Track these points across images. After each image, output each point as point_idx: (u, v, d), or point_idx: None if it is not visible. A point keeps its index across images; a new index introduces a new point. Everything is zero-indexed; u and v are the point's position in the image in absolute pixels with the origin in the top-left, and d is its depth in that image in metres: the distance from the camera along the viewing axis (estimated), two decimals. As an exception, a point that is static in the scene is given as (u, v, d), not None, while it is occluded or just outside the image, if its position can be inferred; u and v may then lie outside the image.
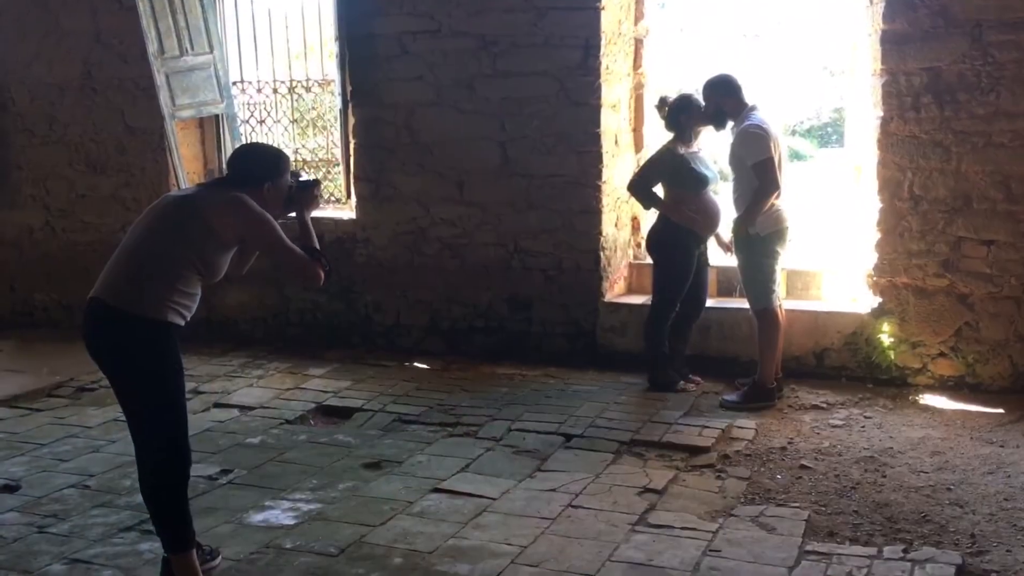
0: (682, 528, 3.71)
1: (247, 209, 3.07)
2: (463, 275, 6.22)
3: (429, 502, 4.01)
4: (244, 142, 6.83)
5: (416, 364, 6.16)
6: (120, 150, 6.95)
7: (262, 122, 7.03)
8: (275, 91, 6.96)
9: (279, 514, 3.90)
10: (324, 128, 7.36)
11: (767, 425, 4.90)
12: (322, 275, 3.19)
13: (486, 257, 6.15)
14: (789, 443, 4.65)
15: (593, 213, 5.90)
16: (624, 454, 4.55)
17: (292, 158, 7.01)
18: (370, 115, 6.27)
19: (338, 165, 6.72)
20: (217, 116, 6.91)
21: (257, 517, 3.88)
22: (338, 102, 6.43)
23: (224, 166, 3.35)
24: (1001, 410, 5.01)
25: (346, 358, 6.29)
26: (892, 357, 5.36)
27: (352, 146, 6.37)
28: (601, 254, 5.93)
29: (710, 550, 3.53)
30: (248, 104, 7.06)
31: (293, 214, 3.37)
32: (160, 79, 6.47)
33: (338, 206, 6.72)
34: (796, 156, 13.38)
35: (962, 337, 5.27)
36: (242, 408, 5.37)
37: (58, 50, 6.92)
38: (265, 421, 5.14)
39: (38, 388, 5.81)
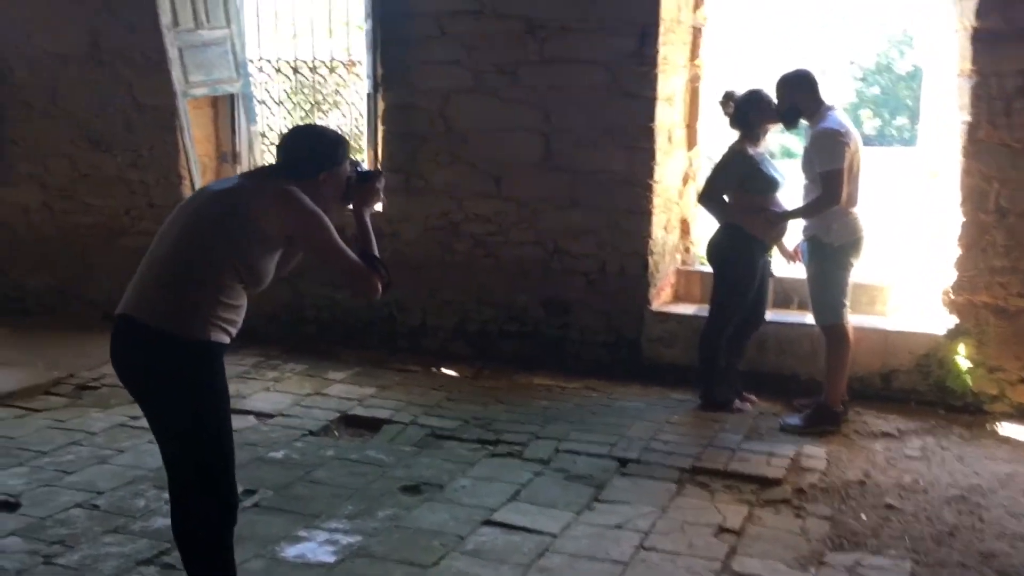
0: (772, 578, 3.30)
1: (298, 204, 2.60)
2: (496, 275, 5.78)
3: (483, 537, 3.57)
4: (259, 124, 6.36)
5: (443, 370, 5.72)
6: (128, 127, 6.46)
7: (280, 103, 6.56)
8: (295, 71, 6.48)
9: (316, 548, 3.46)
10: (346, 114, 6.88)
11: (837, 454, 4.49)
12: (380, 287, 2.72)
13: (522, 257, 5.71)
14: (866, 476, 4.24)
15: (642, 214, 5.47)
16: (687, 483, 4.14)
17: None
18: (402, 101, 5.81)
19: (362, 153, 6.25)
20: (232, 95, 6.43)
21: (292, 551, 3.43)
22: (367, 86, 5.96)
23: (275, 151, 2.78)
24: (1087, 444, 4.64)
25: (366, 360, 5.84)
26: (968, 382, 4.96)
27: (381, 133, 5.91)
28: (649, 258, 5.50)
29: (809, 607, 3.12)
30: (265, 84, 6.59)
31: (351, 208, 2.91)
32: (173, 53, 5.98)
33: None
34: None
35: (1044, 363, 4.88)
36: (260, 415, 4.92)
37: (62, 18, 6.41)
38: (287, 432, 4.69)
39: (34, 384, 5.33)
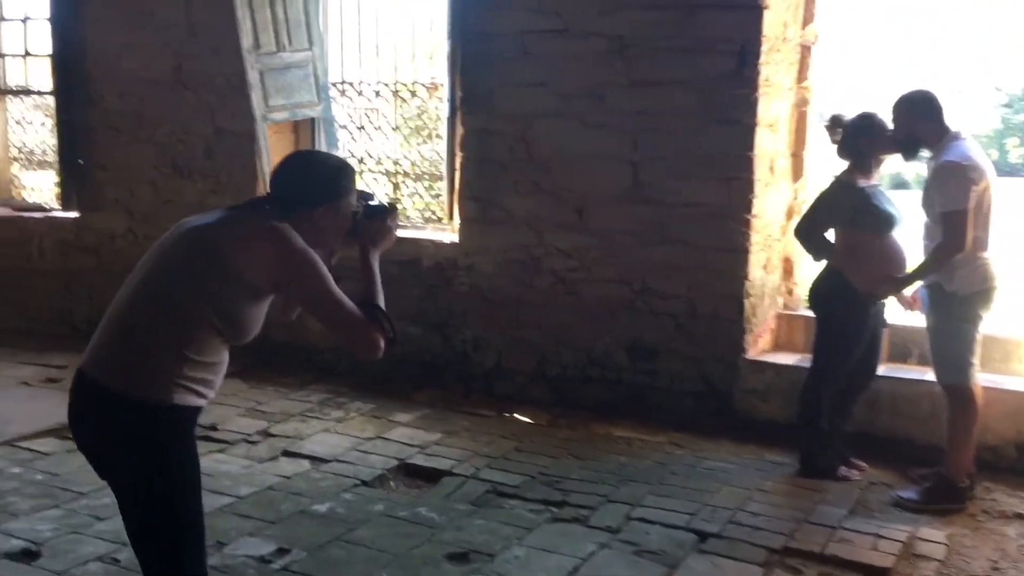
0: None
1: (284, 245, 2.21)
2: (577, 315, 5.32)
3: (528, 625, 3.12)
4: (328, 150, 6.12)
5: (517, 416, 5.28)
6: (208, 153, 6.33)
7: (361, 128, 6.30)
8: (377, 94, 6.21)
9: (338, 627, 3.07)
10: (428, 137, 6.57)
11: (960, 539, 3.83)
12: (382, 343, 2.31)
13: (606, 295, 5.24)
14: (994, 569, 3.59)
15: (738, 252, 4.92)
16: (776, 568, 3.57)
17: (393, 169, 6.29)
18: (481, 125, 5.45)
19: (442, 180, 5.92)
20: (313, 120, 6.22)
21: (311, 629, 3.06)
22: (446, 109, 5.63)
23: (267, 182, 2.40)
24: None
25: (438, 402, 5.47)
26: (1123, 457, 4.21)
27: (458, 160, 5.57)
28: (745, 301, 4.95)
29: None
30: (348, 109, 6.35)
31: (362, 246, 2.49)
32: (253, 76, 5.81)
33: (439, 226, 5.92)
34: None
35: None
36: (314, 460, 4.60)
37: (148, 42, 6.35)
38: (338, 480, 4.35)
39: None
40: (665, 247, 5.07)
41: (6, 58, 7.27)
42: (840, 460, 4.44)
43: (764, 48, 4.76)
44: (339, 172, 2.39)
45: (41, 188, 7.62)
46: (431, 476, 4.45)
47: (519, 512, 4.03)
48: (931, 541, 3.78)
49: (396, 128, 6.29)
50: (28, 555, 3.52)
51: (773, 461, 4.65)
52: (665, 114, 4.96)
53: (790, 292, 5.32)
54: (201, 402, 2.25)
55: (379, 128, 6.29)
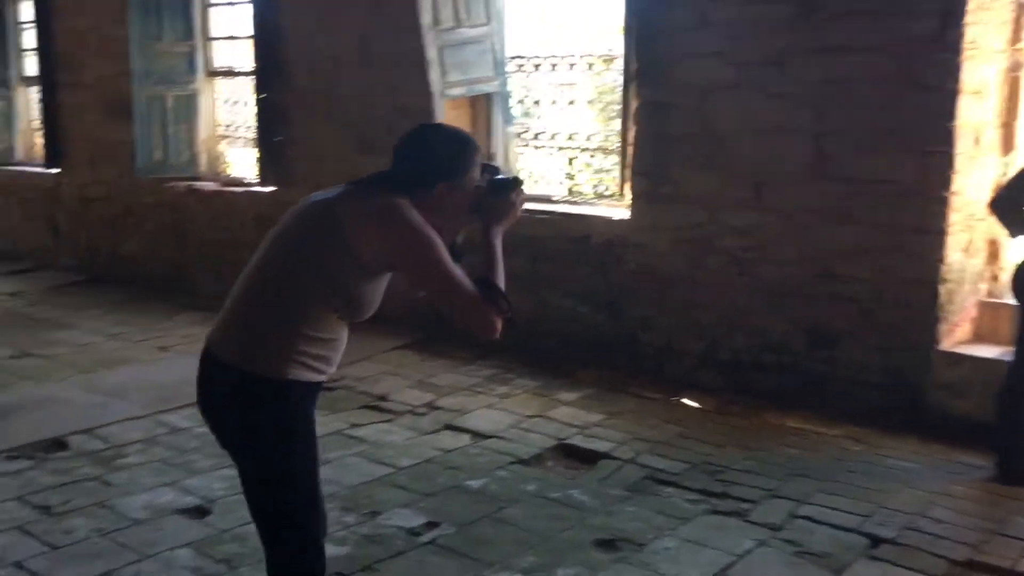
0: None
1: (398, 222, 2.16)
2: (753, 297, 5.05)
3: (668, 622, 2.98)
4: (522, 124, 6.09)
5: (685, 400, 5.09)
6: (389, 129, 6.42)
7: (537, 103, 6.25)
8: (553, 68, 6.12)
9: (475, 606, 3.06)
10: (604, 110, 6.43)
11: None
12: (498, 324, 2.22)
13: (784, 278, 4.93)
14: None
15: (934, 233, 4.49)
16: (956, 582, 3.24)
17: (568, 143, 6.19)
18: (655, 97, 5.25)
19: (616, 154, 5.77)
20: (489, 95, 6.22)
21: (448, 605, 3.06)
22: (620, 81, 5.47)
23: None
24: None
25: (603, 382, 5.36)
26: None
27: (632, 133, 5.40)
28: (940, 287, 4.51)
29: None
30: (524, 83, 6.32)
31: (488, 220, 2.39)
32: (432, 53, 5.87)
33: (611, 203, 5.78)
34: None
35: None
36: (474, 435, 4.62)
37: (335, 20, 6.56)
38: (495, 457, 4.34)
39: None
40: (850, 227, 4.70)
41: (215, 41, 7.74)
42: (1044, 467, 3.97)
43: (970, 7, 4.28)
44: (462, 147, 2.32)
45: (244, 164, 8.12)
46: (588, 458, 4.36)
47: (675, 501, 3.87)
48: None
49: (571, 102, 6.18)
50: (199, 512, 3.73)
51: (965, 463, 4.22)
52: (853, 82, 4.58)
53: (995, 278, 4.81)
54: (319, 378, 2.25)
55: (555, 103, 6.20)
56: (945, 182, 4.42)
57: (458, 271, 2.19)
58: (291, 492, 2.21)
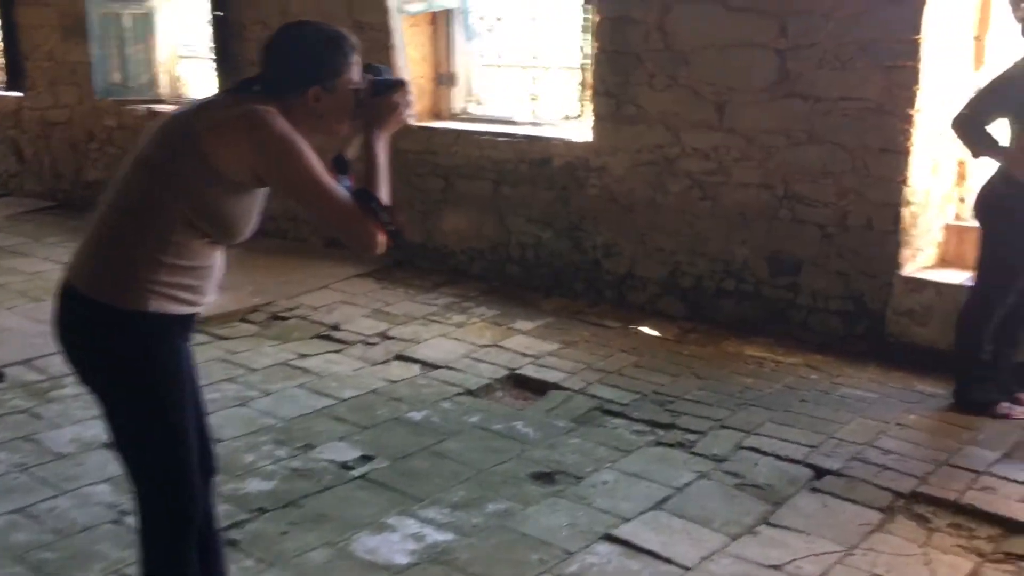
0: None
1: (261, 129, 1.96)
2: (714, 222, 4.88)
3: (593, 558, 2.89)
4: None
5: (644, 329, 4.96)
6: (347, 49, 6.21)
7: (499, 19, 5.98)
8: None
9: (394, 544, 2.96)
10: (567, 28, 6.15)
11: None
12: (380, 238, 2.04)
13: (746, 201, 4.76)
14: None
15: (898, 153, 4.30)
16: (899, 514, 3.14)
17: (532, 62, 5.94)
18: (616, 12, 5.00)
19: (577, 74, 5.54)
20: (450, 11, 5.96)
21: (368, 543, 2.96)
22: (580, -5, 5.22)
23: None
24: None
25: (562, 311, 5.23)
26: None
27: (593, 51, 5.16)
28: (904, 210, 4.34)
29: None
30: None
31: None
32: (388, -33, 5.61)
33: (573, 124, 5.56)
34: None
35: None
36: (424, 365, 4.50)
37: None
38: (442, 388, 4.24)
39: (233, 310, 5.26)
40: (814, 148, 4.51)
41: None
42: (1002, 394, 3.86)
43: (942, -90, 4.02)
44: (333, 45, 2.09)
45: (205, 82, 7.83)
46: (538, 388, 4.26)
47: (620, 433, 3.77)
48: (1098, 498, 3.21)
49: (533, 19, 5.92)
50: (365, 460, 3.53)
51: (923, 392, 4.12)
52: (819, -7, 4.34)
53: (963, 200, 4.63)
54: (186, 309, 2.09)
55: (516, 18, 5.94)
56: (910, 99, 4.22)
57: (330, 181, 2.01)
58: (154, 431, 2.05)
